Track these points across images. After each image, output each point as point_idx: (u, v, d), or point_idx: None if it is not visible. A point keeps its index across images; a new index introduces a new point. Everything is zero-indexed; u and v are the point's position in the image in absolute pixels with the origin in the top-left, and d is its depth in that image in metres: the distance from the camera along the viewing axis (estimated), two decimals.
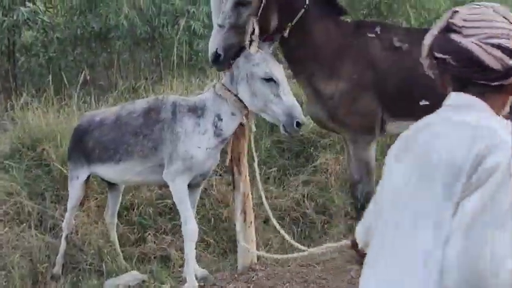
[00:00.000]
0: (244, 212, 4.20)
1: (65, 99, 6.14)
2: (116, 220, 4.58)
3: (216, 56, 3.61)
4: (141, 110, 4.07)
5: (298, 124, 3.60)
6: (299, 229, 5.11)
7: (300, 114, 3.62)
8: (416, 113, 1.98)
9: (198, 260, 4.66)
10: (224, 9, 3.62)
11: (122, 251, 4.63)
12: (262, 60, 3.65)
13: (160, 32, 7.72)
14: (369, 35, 3.72)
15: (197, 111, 3.90)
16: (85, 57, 8.35)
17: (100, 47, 8.63)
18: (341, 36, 3.79)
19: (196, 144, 3.84)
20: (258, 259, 4.36)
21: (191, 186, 4.02)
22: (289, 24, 3.66)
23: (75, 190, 4.36)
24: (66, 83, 6.27)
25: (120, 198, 4.61)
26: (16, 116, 5.57)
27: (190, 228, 3.91)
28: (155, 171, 4.02)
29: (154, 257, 4.66)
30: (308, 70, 3.79)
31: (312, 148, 5.82)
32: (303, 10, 3.64)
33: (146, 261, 4.62)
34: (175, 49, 6.95)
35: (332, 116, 3.85)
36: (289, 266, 4.35)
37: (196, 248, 4.68)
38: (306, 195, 5.33)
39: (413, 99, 3.58)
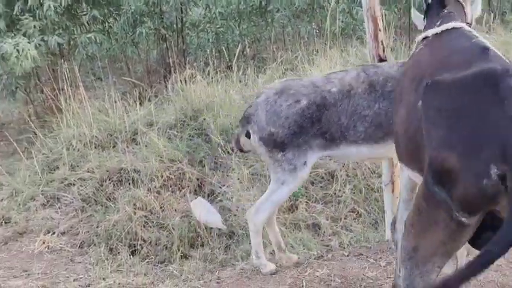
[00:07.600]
0: (392, 182, 4.07)
1: (226, 72, 6.41)
2: None
3: None
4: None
5: None
6: None
7: None
8: None
9: (349, 229, 4.64)
10: None
11: (277, 218, 4.75)
12: None
13: (318, 2, 7.70)
14: None
15: None
16: (249, 32, 8.64)
17: (264, 21, 8.86)
18: None
19: None
20: None
21: None
22: None
23: (299, 180, 3.66)
24: (226, 56, 6.52)
25: None
26: (180, 88, 5.93)
27: None
28: None
29: (306, 224, 4.72)
30: None
31: None
32: None
33: (297, 228, 4.69)
34: (337, 17, 6.88)
35: None
36: None
37: (346, 218, 4.72)
38: None
39: None
